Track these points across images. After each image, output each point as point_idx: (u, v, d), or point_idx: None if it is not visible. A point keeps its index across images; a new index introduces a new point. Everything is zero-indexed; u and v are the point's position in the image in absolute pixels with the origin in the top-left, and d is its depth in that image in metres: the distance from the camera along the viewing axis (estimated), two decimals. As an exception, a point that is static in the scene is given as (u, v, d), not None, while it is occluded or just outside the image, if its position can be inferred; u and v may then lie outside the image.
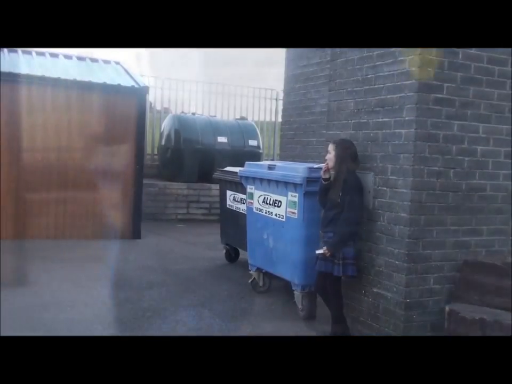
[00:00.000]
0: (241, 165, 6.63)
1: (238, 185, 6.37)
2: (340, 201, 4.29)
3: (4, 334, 4.02)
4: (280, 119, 11.42)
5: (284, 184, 5.15)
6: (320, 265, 4.39)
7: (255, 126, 11.76)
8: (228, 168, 7.13)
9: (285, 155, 7.99)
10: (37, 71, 7.99)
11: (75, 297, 5.29)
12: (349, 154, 4.33)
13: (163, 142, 10.98)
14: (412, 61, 4.02)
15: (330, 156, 4.41)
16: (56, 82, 7.88)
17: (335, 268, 4.30)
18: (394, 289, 4.12)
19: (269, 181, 5.39)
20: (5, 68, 7.76)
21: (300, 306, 5.07)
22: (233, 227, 6.74)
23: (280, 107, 11.59)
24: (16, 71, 7.78)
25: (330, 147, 4.45)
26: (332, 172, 4.41)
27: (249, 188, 5.78)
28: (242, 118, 11.99)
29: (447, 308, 4.05)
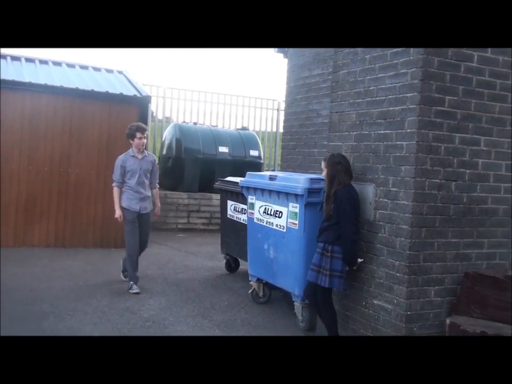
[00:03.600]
0: (242, 175, 6.63)
1: (239, 195, 6.37)
2: (331, 214, 4.34)
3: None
4: (281, 130, 11.45)
5: (284, 195, 5.16)
6: (310, 275, 4.44)
7: (256, 136, 11.79)
8: (229, 178, 7.14)
9: (286, 166, 7.99)
10: (40, 79, 8.03)
11: (75, 306, 5.28)
12: (339, 169, 4.37)
13: (164, 151, 11.00)
14: (413, 74, 4.03)
15: (324, 173, 4.51)
16: (58, 91, 7.91)
17: (322, 278, 4.33)
18: (395, 301, 4.11)
19: (270, 191, 5.39)
20: (8, 76, 7.81)
21: (300, 317, 5.06)
22: (234, 237, 6.74)
23: (282, 117, 11.62)
24: (19, 79, 7.82)
25: (323, 164, 4.55)
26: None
27: (250, 198, 5.78)
28: (243, 128, 12.01)
29: (447, 321, 4.04)
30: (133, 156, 6.10)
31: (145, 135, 6.17)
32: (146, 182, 6.12)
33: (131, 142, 6.12)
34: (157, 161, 6.39)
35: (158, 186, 6.41)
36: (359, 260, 4.39)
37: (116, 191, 6.04)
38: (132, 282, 5.92)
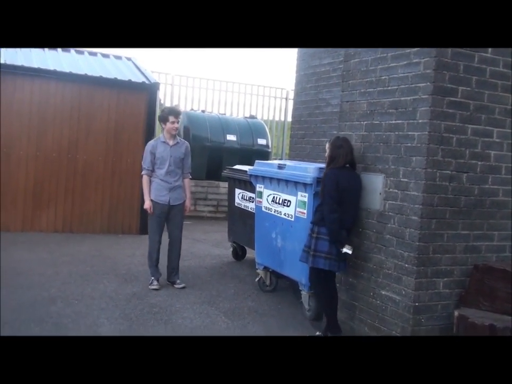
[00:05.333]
0: (250, 163, 6.61)
1: (247, 184, 6.35)
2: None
3: (8, 330, 4.05)
4: (289, 118, 11.40)
5: (293, 184, 5.14)
6: (301, 256, 4.54)
7: (264, 124, 11.75)
8: (237, 167, 7.12)
9: (294, 155, 7.96)
10: (49, 65, 8.02)
11: (82, 291, 5.30)
12: (339, 153, 4.40)
13: (172, 139, 10.99)
14: (426, 63, 3.98)
15: (326, 154, 4.57)
16: (67, 77, 7.90)
17: (309, 259, 4.40)
18: (403, 292, 4.09)
19: (279, 180, 5.37)
20: (18, 62, 7.80)
21: (306, 306, 5.06)
22: (241, 225, 6.74)
23: (290, 106, 11.56)
24: (29, 64, 7.81)
25: (327, 146, 4.60)
26: None
27: (259, 187, 5.77)
28: (251, 117, 11.97)
29: (456, 313, 4.02)
30: (164, 142, 5.65)
31: (178, 119, 5.69)
32: (178, 171, 5.68)
33: (163, 126, 5.68)
34: (189, 148, 5.87)
35: (190, 176, 5.93)
36: (346, 249, 4.29)
37: (145, 179, 5.65)
38: (152, 278, 5.66)
